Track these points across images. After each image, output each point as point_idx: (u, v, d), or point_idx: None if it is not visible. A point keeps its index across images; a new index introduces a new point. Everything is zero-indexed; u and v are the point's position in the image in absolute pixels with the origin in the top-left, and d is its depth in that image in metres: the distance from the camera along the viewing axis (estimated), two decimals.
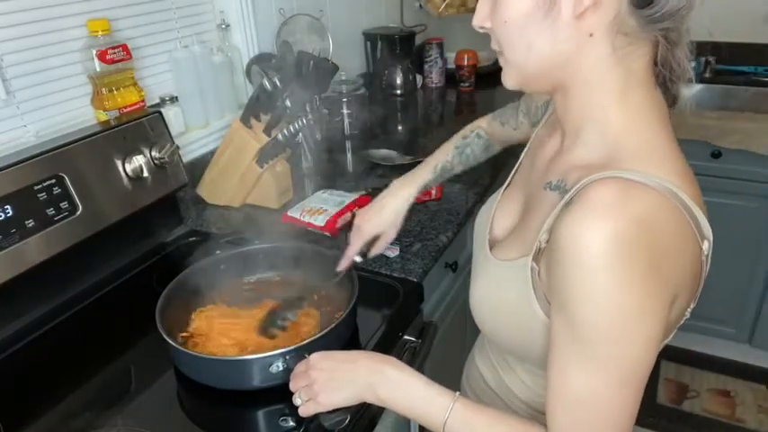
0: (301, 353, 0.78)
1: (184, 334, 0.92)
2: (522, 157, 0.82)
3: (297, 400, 0.74)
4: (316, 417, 0.74)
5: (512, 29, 0.60)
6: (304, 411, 0.73)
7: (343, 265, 0.95)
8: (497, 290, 0.71)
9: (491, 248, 0.74)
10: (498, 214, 0.79)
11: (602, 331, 0.54)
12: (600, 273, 0.52)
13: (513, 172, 0.83)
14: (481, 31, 0.65)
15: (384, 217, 0.96)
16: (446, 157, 1.04)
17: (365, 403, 0.73)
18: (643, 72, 0.60)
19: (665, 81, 0.61)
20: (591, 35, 0.57)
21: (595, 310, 0.53)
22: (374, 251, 0.97)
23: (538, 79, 0.64)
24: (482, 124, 1.08)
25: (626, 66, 0.59)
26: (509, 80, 0.66)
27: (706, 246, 0.58)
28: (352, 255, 0.95)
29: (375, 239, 0.98)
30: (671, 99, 0.63)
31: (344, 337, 0.90)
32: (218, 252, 1.05)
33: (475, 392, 0.88)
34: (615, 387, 0.55)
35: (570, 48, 0.58)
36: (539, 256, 0.63)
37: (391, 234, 0.97)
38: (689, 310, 0.63)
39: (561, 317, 0.57)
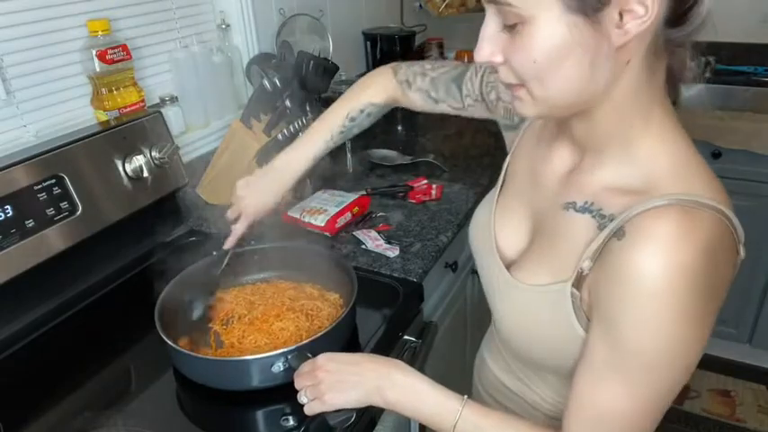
0: (302, 353, 0.78)
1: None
2: (506, 165, 0.79)
3: (302, 399, 0.74)
4: (316, 417, 0.74)
5: (544, 67, 0.54)
6: (309, 410, 0.73)
7: (229, 243, 1.01)
8: (529, 314, 0.69)
9: (508, 268, 0.71)
10: (500, 228, 0.76)
11: (647, 359, 0.55)
12: (665, 305, 0.52)
13: (500, 180, 0.79)
14: (488, 65, 0.61)
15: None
16: (325, 145, 0.98)
17: None
18: (662, 83, 0.59)
19: (674, 84, 0.61)
20: (628, 62, 0.55)
21: (648, 338, 0.54)
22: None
23: (563, 110, 0.60)
24: (375, 99, 0.98)
25: (653, 83, 0.58)
26: (531, 112, 0.60)
27: (742, 251, 0.59)
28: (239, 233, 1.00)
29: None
30: (673, 97, 0.62)
31: (344, 337, 0.90)
32: (217, 252, 1.05)
33: (494, 398, 0.86)
34: (643, 410, 0.57)
35: (607, 77, 0.55)
36: (580, 283, 0.61)
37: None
38: None
39: (604, 337, 0.57)
